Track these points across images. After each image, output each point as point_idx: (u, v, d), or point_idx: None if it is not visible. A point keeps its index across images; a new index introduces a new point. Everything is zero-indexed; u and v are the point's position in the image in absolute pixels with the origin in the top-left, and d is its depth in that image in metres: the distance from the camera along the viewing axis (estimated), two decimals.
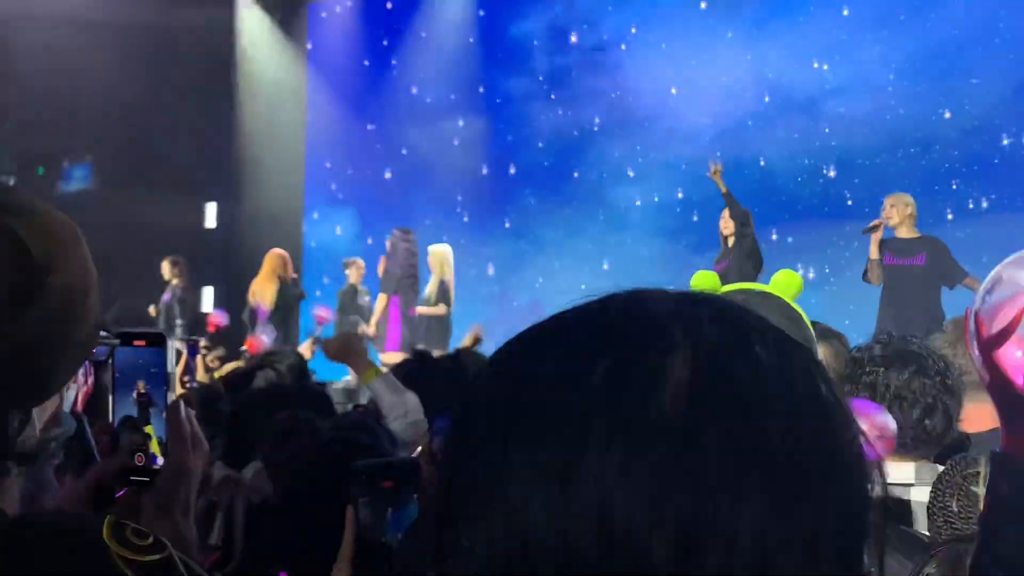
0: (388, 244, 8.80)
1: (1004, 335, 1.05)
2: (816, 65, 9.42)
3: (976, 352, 1.10)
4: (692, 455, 0.47)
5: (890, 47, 8.95)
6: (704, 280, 1.68)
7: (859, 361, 2.13)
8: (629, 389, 0.49)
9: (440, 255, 9.02)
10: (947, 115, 8.62)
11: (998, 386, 1.08)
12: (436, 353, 8.05)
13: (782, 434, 0.49)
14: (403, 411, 2.65)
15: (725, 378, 0.50)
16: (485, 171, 11.57)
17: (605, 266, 10.57)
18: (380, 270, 9.06)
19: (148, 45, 11.71)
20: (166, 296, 9.96)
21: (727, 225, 7.29)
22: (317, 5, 12.99)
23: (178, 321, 9.58)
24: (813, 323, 1.65)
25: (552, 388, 0.50)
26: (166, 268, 10.04)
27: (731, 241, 7.28)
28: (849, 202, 9.10)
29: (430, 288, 8.82)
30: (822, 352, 2.46)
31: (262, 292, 8.81)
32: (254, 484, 1.92)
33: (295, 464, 1.67)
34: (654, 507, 0.47)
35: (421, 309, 8.79)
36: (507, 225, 11.36)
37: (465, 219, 11.66)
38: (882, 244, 6.73)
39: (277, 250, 9.31)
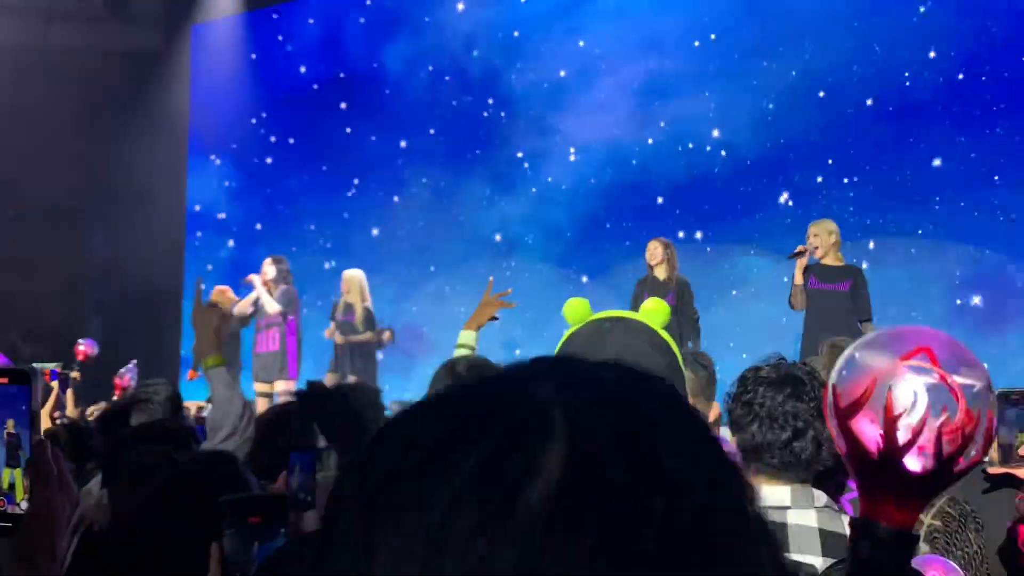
0: (273, 270, 8.66)
1: (856, 406, 1.21)
2: (697, 44, 9.78)
3: (834, 422, 1.24)
4: (554, 557, 0.45)
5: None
6: (576, 308, 1.70)
7: (744, 379, 2.17)
8: (500, 484, 0.47)
9: (356, 280, 8.91)
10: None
11: (854, 454, 1.22)
12: (351, 379, 8.19)
13: (656, 543, 0.46)
14: (228, 409, 2.81)
15: (597, 480, 0.47)
16: (376, 155, 11.57)
17: (497, 238, 10.84)
18: (259, 291, 8.81)
19: (24, 65, 11.33)
20: None
21: (654, 255, 7.42)
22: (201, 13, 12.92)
23: None
24: (687, 353, 1.69)
25: (424, 474, 0.49)
26: None
27: (659, 271, 7.41)
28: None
29: (358, 316, 8.78)
30: (690, 380, 2.50)
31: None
32: (90, 513, 1.85)
33: (149, 499, 1.61)
34: None
35: (353, 337, 8.76)
36: (395, 199, 11.38)
37: (354, 199, 11.71)
38: (807, 270, 6.74)
39: (218, 287, 9.12)
